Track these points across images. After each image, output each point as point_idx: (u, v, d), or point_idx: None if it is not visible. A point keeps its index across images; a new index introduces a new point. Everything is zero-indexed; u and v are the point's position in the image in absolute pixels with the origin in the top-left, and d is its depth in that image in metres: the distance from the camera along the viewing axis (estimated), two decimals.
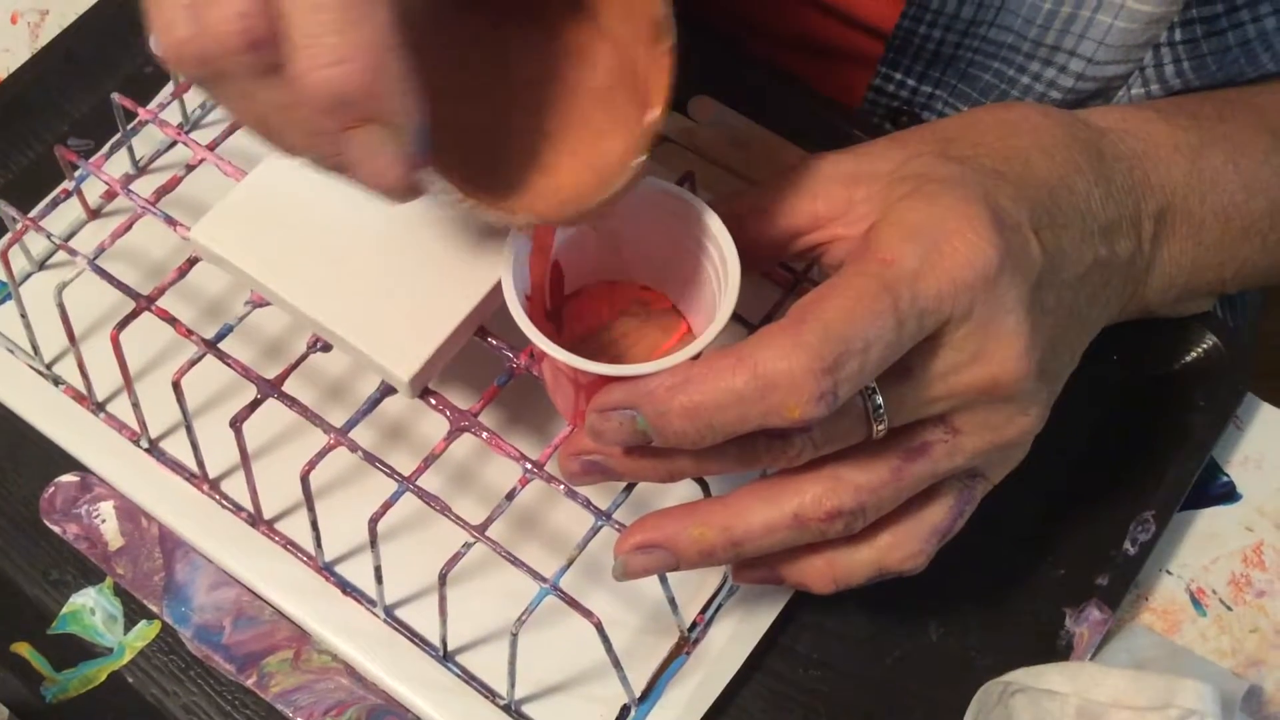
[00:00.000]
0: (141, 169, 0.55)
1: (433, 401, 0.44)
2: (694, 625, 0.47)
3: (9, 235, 0.49)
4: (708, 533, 0.40)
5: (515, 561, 0.42)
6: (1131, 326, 0.48)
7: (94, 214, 0.54)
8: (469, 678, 0.46)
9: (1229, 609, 0.49)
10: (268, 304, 0.45)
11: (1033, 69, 0.56)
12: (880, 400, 0.38)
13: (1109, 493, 0.49)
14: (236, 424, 0.44)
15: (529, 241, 0.40)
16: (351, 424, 0.44)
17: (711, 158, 0.57)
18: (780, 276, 0.48)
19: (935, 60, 0.58)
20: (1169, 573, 0.50)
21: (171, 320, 0.46)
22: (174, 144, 0.55)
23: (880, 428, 0.38)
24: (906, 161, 0.41)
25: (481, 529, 0.42)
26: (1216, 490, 0.51)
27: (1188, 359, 0.52)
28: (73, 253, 0.47)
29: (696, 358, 0.38)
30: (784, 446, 0.38)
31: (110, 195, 0.53)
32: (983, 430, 0.39)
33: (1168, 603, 0.49)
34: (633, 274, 0.44)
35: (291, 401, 0.44)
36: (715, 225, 0.40)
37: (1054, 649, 0.47)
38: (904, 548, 0.41)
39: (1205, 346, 0.52)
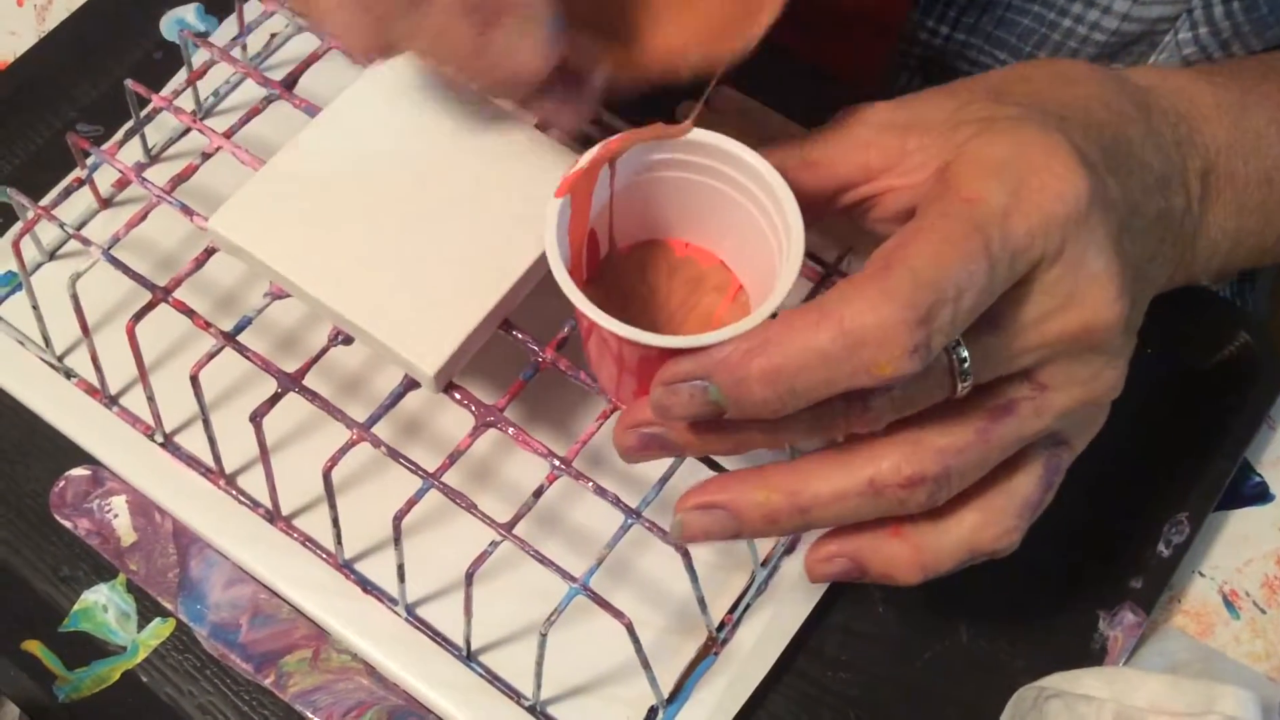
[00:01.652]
0: (153, 157, 0.54)
1: (457, 396, 0.43)
2: (722, 625, 0.46)
3: (21, 224, 0.48)
4: (774, 496, 0.37)
5: (544, 560, 0.41)
6: (1164, 324, 0.47)
7: (105, 203, 0.52)
8: (492, 678, 0.45)
9: (1263, 611, 0.48)
10: (287, 296, 0.44)
11: (1074, 10, 0.53)
12: (965, 354, 0.35)
13: (1142, 494, 0.49)
14: (257, 418, 0.43)
15: (569, 208, 0.39)
16: (374, 419, 0.43)
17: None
18: (807, 270, 0.47)
19: (970, 5, 0.55)
20: (1201, 574, 0.49)
21: (189, 312, 0.44)
22: (186, 132, 0.53)
23: (965, 385, 0.35)
24: (961, 109, 0.39)
25: (509, 527, 0.41)
26: (1249, 491, 0.50)
27: (1221, 357, 0.51)
28: (86, 242, 0.46)
29: (770, 320, 0.36)
30: (862, 410, 0.35)
31: (122, 184, 0.52)
32: (1071, 385, 0.37)
33: (1200, 605, 0.48)
34: (673, 231, 0.42)
35: (313, 396, 0.43)
36: (768, 173, 0.38)
37: (1088, 652, 0.46)
38: (995, 525, 0.38)
39: (1238, 345, 0.51)
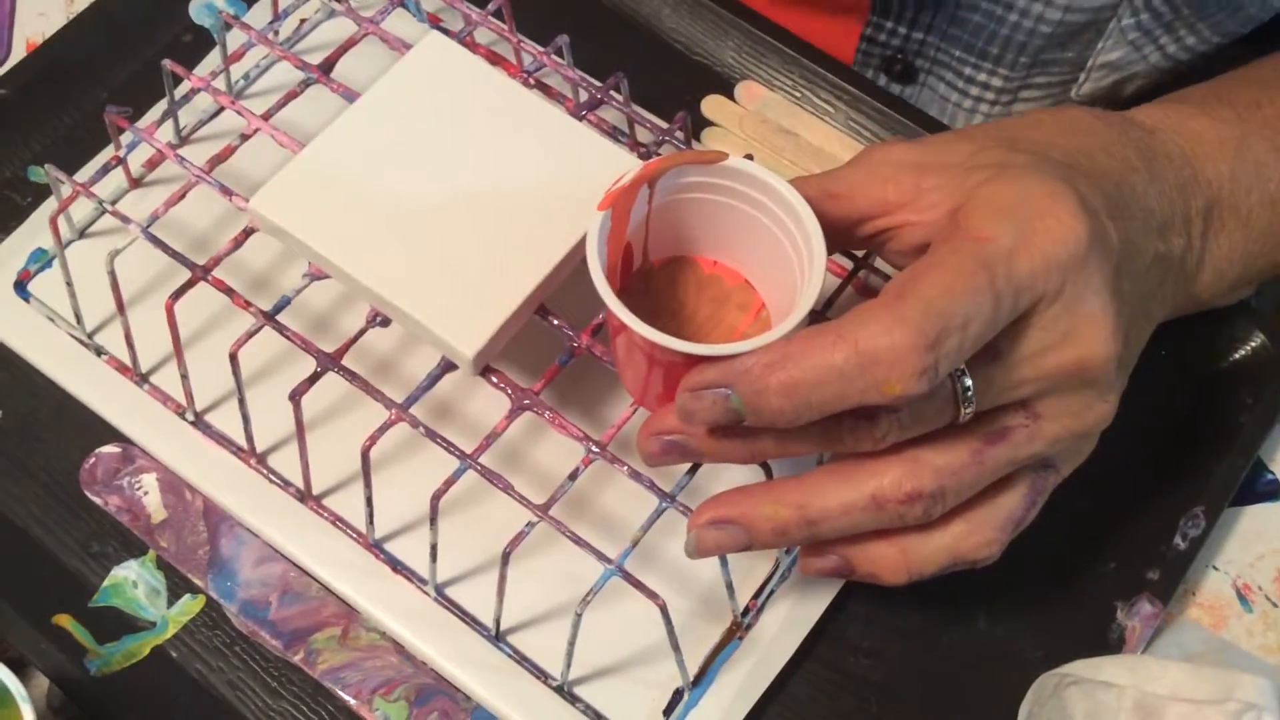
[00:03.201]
0: (183, 139, 0.54)
1: (493, 379, 0.44)
2: (746, 611, 0.46)
3: (58, 201, 0.48)
4: (782, 511, 0.39)
5: (579, 541, 0.42)
6: (1180, 325, 0.48)
7: (135, 183, 0.53)
8: (520, 658, 0.46)
9: (1275, 605, 0.49)
10: (326, 277, 0.45)
11: (1020, 4, 0.57)
12: (970, 382, 0.38)
13: (1158, 488, 0.50)
14: (296, 397, 0.43)
15: (609, 221, 0.40)
16: (412, 400, 0.43)
17: (761, 143, 0.57)
18: (835, 267, 0.48)
19: (924, 5, 0.59)
20: (1215, 568, 0.50)
21: (229, 291, 0.45)
22: (216, 114, 0.54)
23: (968, 410, 0.38)
24: (976, 153, 0.42)
25: (545, 508, 0.42)
26: (1262, 488, 0.51)
27: (1236, 357, 0.52)
28: (125, 220, 0.46)
29: (790, 336, 0.38)
30: (870, 428, 0.38)
31: (153, 164, 0.52)
32: (1063, 416, 0.39)
33: (1214, 598, 0.49)
34: (703, 250, 0.44)
35: (352, 376, 0.44)
36: (797, 201, 0.40)
37: (1106, 642, 0.47)
38: (978, 535, 0.40)
39: (1254, 345, 0.52)
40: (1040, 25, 0.57)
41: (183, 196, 0.47)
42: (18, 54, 0.60)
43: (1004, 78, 0.61)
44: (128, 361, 0.49)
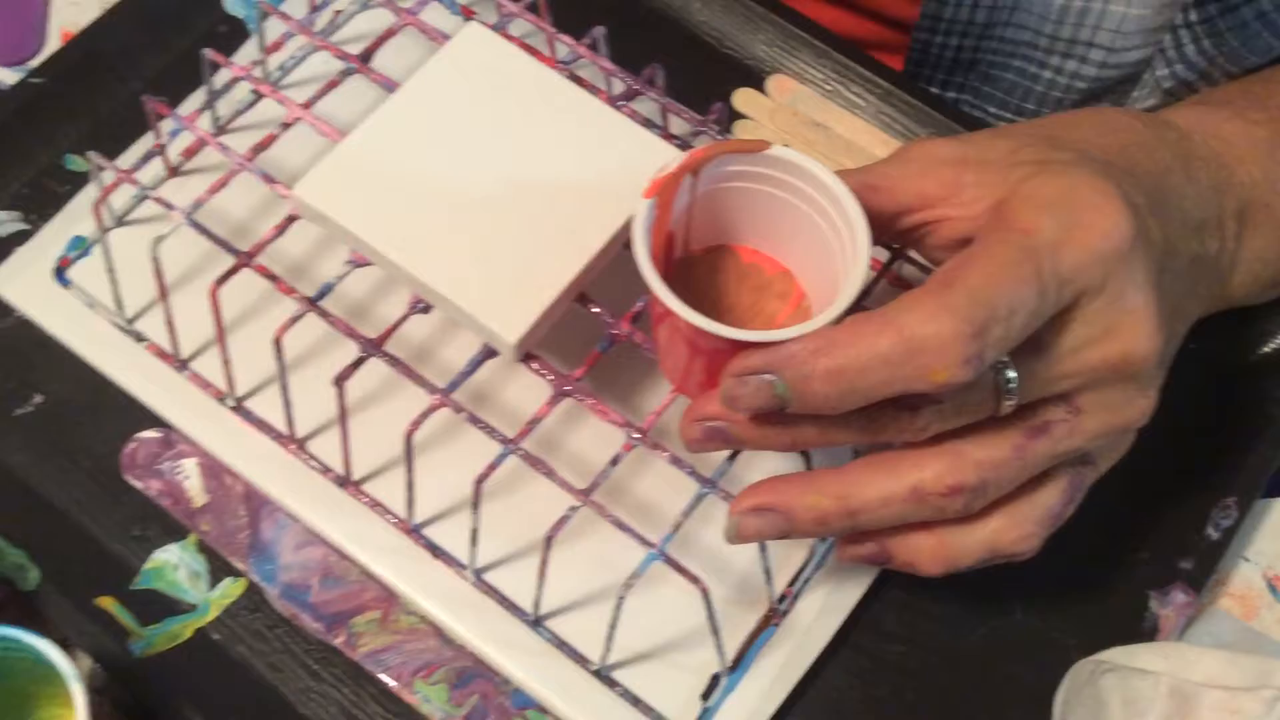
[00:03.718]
0: (221, 128, 0.54)
1: (534, 366, 0.44)
2: (782, 598, 0.47)
3: (101, 188, 0.49)
4: (823, 500, 0.40)
5: (621, 526, 0.42)
6: (1211, 319, 0.49)
7: (173, 171, 0.53)
8: (559, 642, 0.46)
9: None
10: (368, 264, 0.45)
11: (1053, 63, 0.57)
12: (1012, 374, 0.38)
13: (1190, 480, 0.50)
14: (340, 382, 0.44)
15: (654, 209, 0.40)
16: (454, 385, 0.44)
17: (793, 136, 0.58)
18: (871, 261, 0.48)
19: (956, 66, 0.59)
20: (1246, 559, 0.50)
21: (272, 277, 0.45)
22: (254, 103, 0.54)
23: (1009, 403, 0.38)
24: (1017, 150, 0.42)
25: (587, 493, 0.42)
26: None
27: (1266, 350, 0.53)
28: (169, 206, 0.47)
29: (834, 324, 0.38)
30: (911, 418, 0.38)
31: (190, 152, 0.53)
32: (1103, 411, 0.40)
33: (1245, 589, 0.50)
34: (743, 238, 0.44)
35: (394, 361, 0.44)
36: (841, 191, 0.40)
37: (1139, 630, 0.47)
38: (1017, 529, 0.41)
39: None
40: (1075, 82, 0.57)
41: (225, 184, 0.47)
42: (53, 43, 0.60)
43: None
44: (168, 347, 0.49)
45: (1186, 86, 0.59)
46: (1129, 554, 0.49)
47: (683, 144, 0.50)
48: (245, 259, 0.45)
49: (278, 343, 0.45)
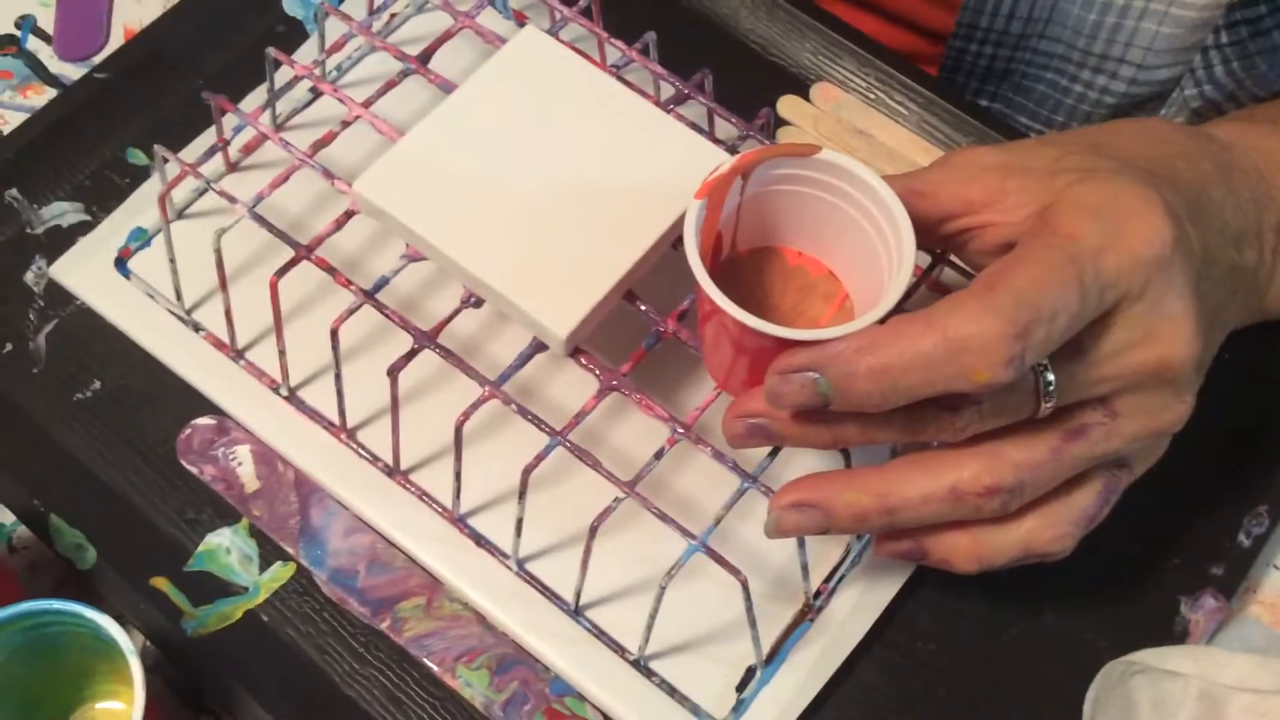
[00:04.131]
0: (279, 125, 0.56)
1: (582, 360, 0.45)
2: (818, 594, 0.48)
3: (165, 181, 0.50)
4: (863, 498, 0.41)
5: (664, 518, 0.43)
6: (1245, 330, 0.49)
7: (232, 166, 0.55)
8: (598, 632, 0.47)
9: None
10: (422, 259, 0.46)
11: (1084, 77, 0.58)
12: (1051, 377, 0.39)
13: (1223, 487, 0.51)
14: (394, 373, 0.45)
15: (705, 210, 0.41)
16: (505, 377, 0.45)
17: (836, 143, 0.59)
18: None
19: (989, 75, 0.60)
20: (1276, 567, 0.51)
21: (330, 270, 0.47)
22: (312, 101, 0.55)
23: (1048, 405, 0.39)
24: (1060, 158, 0.43)
25: (632, 485, 0.43)
26: None
27: None
28: (231, 200, 0.48)
29: (879, 324, 0.39)
30: (952, 418, 0.39)
31: (249, 149, 0.54)
32: (1140, 415, 0.40)
33: (1275, 596, 0.50)
34: (789, 240, 0.45)
35: (446, 353, 0.45)
36: (888, 195, 0.41)
37: (1169, 634, 0.48)
38: (1052, 529, 0.41)
39: None
40: (1105, 97, 0.58)
41: (286, 179, 0.49)
42: (115, 39, 0.62)
43: None
44: (224, 337, 0.51)
45: (1214, 107, 0.60)
46: (1161, 558, 0.50)
47: (729, 148, 0.51)
48: (305, 252, 0.47)
49: (334, 334, 0.46)
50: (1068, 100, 0.60)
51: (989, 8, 0.56)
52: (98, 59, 0.61)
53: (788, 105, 0.60)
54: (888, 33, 0.65)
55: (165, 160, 0.50)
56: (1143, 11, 0.53)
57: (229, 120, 0.52)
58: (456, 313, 0.46)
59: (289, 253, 0.48)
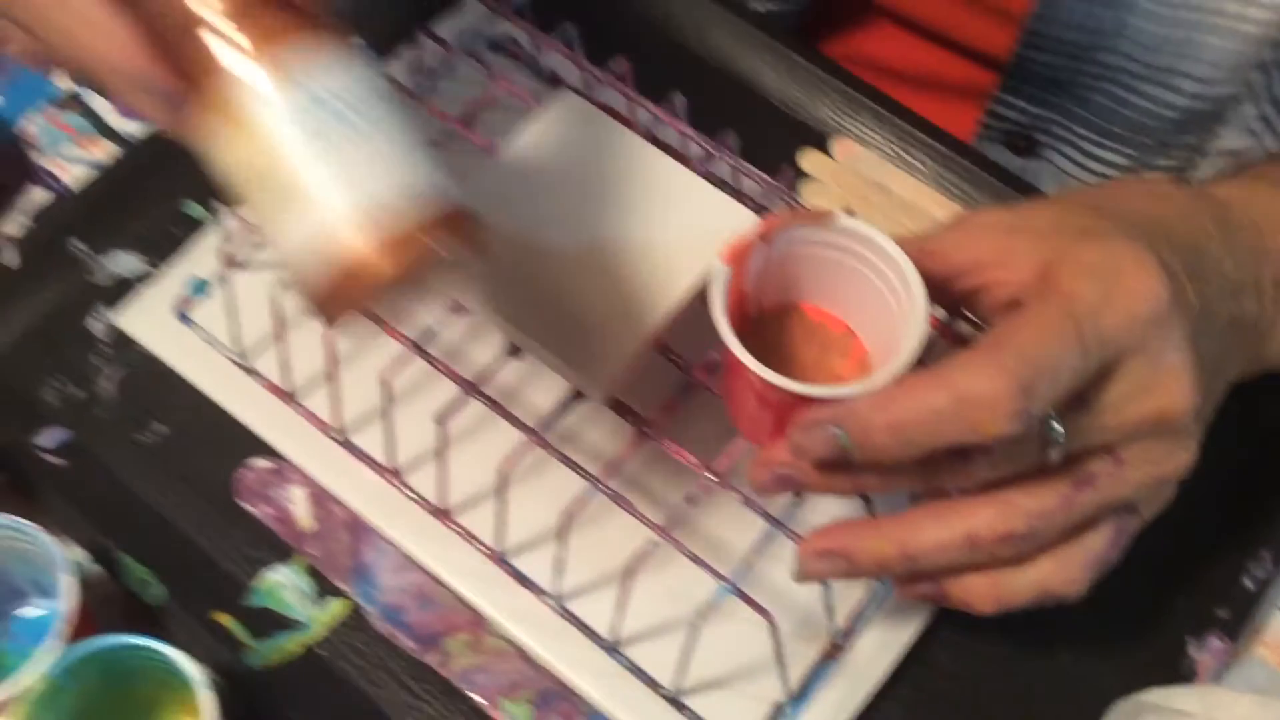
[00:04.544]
0: None
1: (618, 409, 0.48)
2: (842, 634, 0.50)
3: (227, 235, 0.53)
4: (885, 546, 0.43)
5: (697, 560, 0.46)
6: (1252, 381, 0.52)
7: None
8: (634, 668, 0.50)
9: None
10: (466, 311, 0.49)
11: (1145, 90, 0.59)
12: (1059, 427, 0.41)
13: (1228, 532, 0.53)
14: (443, 421, 0.48)
15: (732, 273, 0.44)
16: (547, 425, 0.48)
17: (855, 197, 0.61)
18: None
19: (1051, 85, 0.62)
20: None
21: (380, 321, 0.50)
22: None
23: (1055, 453, 0.41)
24: (1063, 218, 0.45)
25: (667, 529, 0.46)
26: None
27: None
28: None
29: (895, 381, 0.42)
30: (966, 466, 0.42)
31: None
32: (1145, 463, 0.43)
33: (1279, 638, 0.53)
34: (810, 299, 0.48)
35: (491, 402, 0.48)
36: (901, 258, 0.44)
37: (1177, 674, 0.50)
38: (1065, 572, 0.44)
39: None
40: (1165, 111, 0.60)
41: None
42: None
43: (1127, 156, 0.63)
44: (280, 382, 0.54)
45: (1268, 127, 0.60)
46: (1169, 601, 0.52)
47: (755, 205, 0.54)
48: None
49: (385, 382, 0.49)
50: (1126, 112, 0.61)
51: (1059, 16, 0.57)
52: None
53: (809, 160, 0.62)
54: (946, 61, 0.66)
55: (226, 216, 0.53)
56: (1209, 26, 0.55)
57: None
58: (501, 363, 0.49)
59: None
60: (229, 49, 0.37)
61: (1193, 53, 0.56)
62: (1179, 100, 0.59)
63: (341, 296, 0.38)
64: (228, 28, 0.37)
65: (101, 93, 0.39)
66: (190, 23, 0.37)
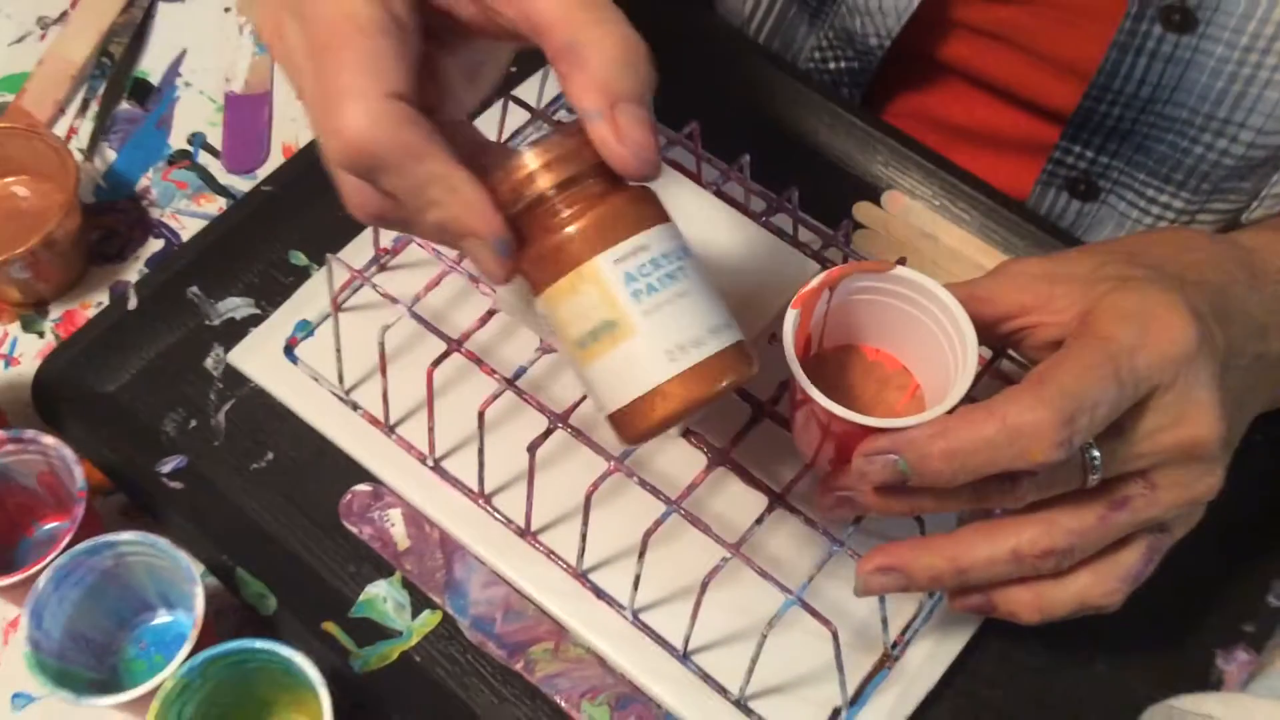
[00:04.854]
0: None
1: (692, 440, 0.53)
2: (895, 644, 0.55)
3: (337, 282, 0.59)
4: (938, 562, 0.48)
5: (765, 575, 0.51)
6: (1273, 412, 0.56)
7: (381, 267, 0.63)
8: (704, 675, 0.54)
9: None
10: (552, 351, 0.55)
11: (1204, 140, 0.63)
12: (1097, 454, 0.46)
13: (1253, 552, 0.57)
14: (533, 450, 0.53)
15: (800, 317, 0.49)
16: (627, 453, 0.53)
17: (906, 246, 0.66)
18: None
19: (1113, 134, 0.65)
20: None
21: (477, 361, 0.55)
22: None
23: (1094, 478, 0.46)
24: (1100, 266, 0.50)
25: (737, 546, 0.51)
26: None
27: None
28: (393, 300, 0.57)
29: (949, 413, 0.46)
30: (1012, 488, 0.46)
31: (396, 252, 0.63)
32: (1176, 487, 0.47)
33: None
34: (868, 339, 0.53)
35: (576, 432, 0.53)
36: (951, 302, 0.49)
37: (1206, 682, 0.54)
38: (1102, 585, 0.48)
39: None
40: (1223, 159, 0.63)
41: (438, 283, 0.57)
42: (275, 153, 0.71)
43: (1185, 200, 0.66)
44: (379, 415, 0.59)
45: None
46: (1199, 616, 0.56)
47: (813, 253, 0.59)
48: (456, 345, 0.55)
49: (481, 415, 0.54)
50: (1187, 160, 0.64)
51: (1123, 71, 0.61)
52: (260, 171, 0.70)
53: (863, 211, 0.67)
54: (1010, 115, 0.69)
55: (337, 264, 0.59)
56: (1268, 80, 0.58)
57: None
58: (583, 399, 0.54)
59: (434, 341, 0.56)
60: (565, 217, 0.43)
61: (1252, 105, 0.60)
62: (1236, 149, 0.62)
63: (647, 417, 0.44)
64: (561, 199, 0.43)
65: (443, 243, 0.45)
66: (523, 189, 0.43)
